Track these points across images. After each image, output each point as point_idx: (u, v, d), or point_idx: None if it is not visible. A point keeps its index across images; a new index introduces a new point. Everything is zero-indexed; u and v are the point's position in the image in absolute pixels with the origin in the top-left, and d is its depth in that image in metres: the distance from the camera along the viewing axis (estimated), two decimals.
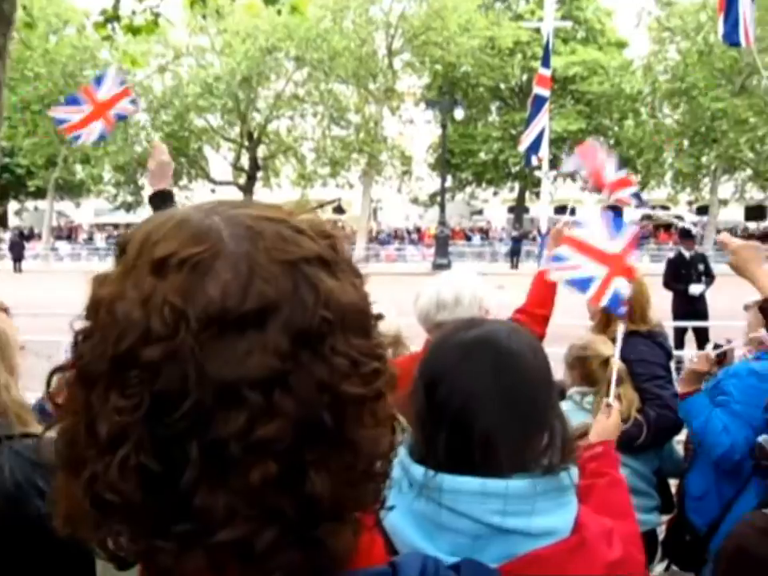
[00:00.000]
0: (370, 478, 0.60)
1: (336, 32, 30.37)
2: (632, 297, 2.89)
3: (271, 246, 0.58)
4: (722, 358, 2.86)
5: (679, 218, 42.98)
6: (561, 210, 51.28)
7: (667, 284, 9.52)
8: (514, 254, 30.27)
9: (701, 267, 9.44)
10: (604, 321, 2.97)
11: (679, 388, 2.75)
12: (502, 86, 35.30)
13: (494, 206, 48.14)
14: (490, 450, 1.08)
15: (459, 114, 29.07)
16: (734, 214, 44.37)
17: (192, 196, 38.23)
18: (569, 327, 3.78)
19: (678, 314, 9.28)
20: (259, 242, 0.58)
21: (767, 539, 1.27)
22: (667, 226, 39.69)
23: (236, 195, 39.35)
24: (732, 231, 36.38)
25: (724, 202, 36.24)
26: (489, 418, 1.10)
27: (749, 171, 34.37)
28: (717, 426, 2.53)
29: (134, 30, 7.11)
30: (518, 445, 1.10)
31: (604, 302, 2.28)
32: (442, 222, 28.91)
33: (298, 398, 0.55)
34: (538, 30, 30.19)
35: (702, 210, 38.07)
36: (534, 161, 26.07)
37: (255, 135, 35.48)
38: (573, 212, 3.26)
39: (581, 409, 2.75)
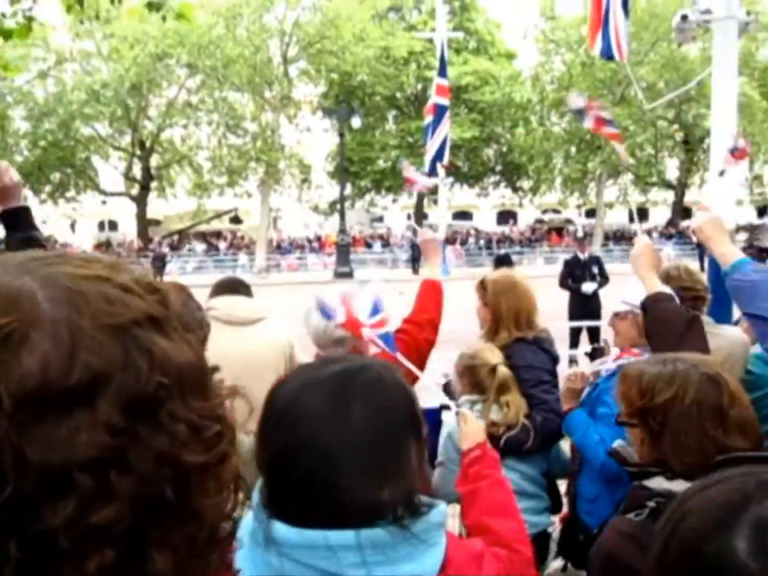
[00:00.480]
0: (215, 543, 0.56)
1: (229, 39, 29.87)
2: (506, 304, 2.97)
3: (95, 309, 0.51)
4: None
5: (569, 221, 45.11)
6: (459, 215, 52.65)
7: (563, 284, 9.98)
8: (415, 260, 30.67)
9: (594, 269, 9.92)
10: (493, 328, 3.01)
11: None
12: (398, 94, 35.82)
13: (394, 212, 48.73)
14: (341, 501, 1.00)
15: (356, 122, 29.25)
16: (619, 216, 46.96)
17: (81, 208, 36.51)
18: (461, 333, 3.82)
19: (573, 314, 9.73)
20: (82, 305, 0.51)
21: (633, 545, 1.28)
22: (559, 229, 41.48)
23: (129, 206, 37.91)
24: (617, 233, 38.49)
25: (610, 205, 38.26)
26: (339, 467, 1.02)
27: (630, 176, 36.49)
28: (593, 439, 2.62)
29: (4, 34, 6.68)
30: (371, 493, 1.02)
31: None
32: (342, 230, 28.95)
33: (136, 475, 0.49)
34: (431, 41, 30.87)
35: (591, 213, 40.06)
36: (439, 168, 26.78)
37: (147, 144, 34.30)
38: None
39: None
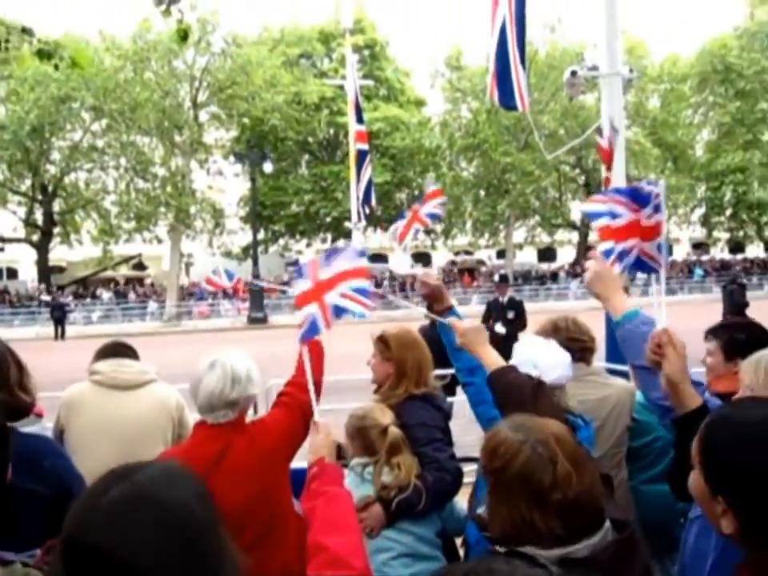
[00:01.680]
0: None
1: (137, 83, 29.40)
2: (412, 359, 2.91)
3: None
4: None
5: (481, 262, 46.27)
6: (373, 258, 52.87)
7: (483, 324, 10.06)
8: None
9: (510, 313, 10.00)
10: (394, 384, 2.94)
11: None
12: (310, 139, 36.09)
13: (309, 256, 48.64)
14: None
15: (268, 167, 29.16)
16: (528, 256, 48.59)
17: None
18: (358, 381, 3.72)
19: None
20: None
21: None
22: (470, 270, 42.40)
23: (29, 253, 36.17)
24: (527, 273, 39.71)
25: (519, 246, 39.55)
26: None
27: (537, 218, 37.94)
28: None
29: None
30: None
31: (331, 323, 2.27)
32: (256, 275, 28.55)
33: None
34: (341, 87, 31.39)
35: (502, 254, 41.24)
36: (367, 211, 26.90)
37: (50, 188, 33.01)
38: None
39: (363, 480, 2.70)
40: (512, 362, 2.65)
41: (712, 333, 2.80)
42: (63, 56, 6.64)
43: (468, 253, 47.34)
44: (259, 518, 2.34)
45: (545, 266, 44.67)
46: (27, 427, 2.44)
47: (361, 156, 26.26)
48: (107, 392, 3.17)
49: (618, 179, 6.82)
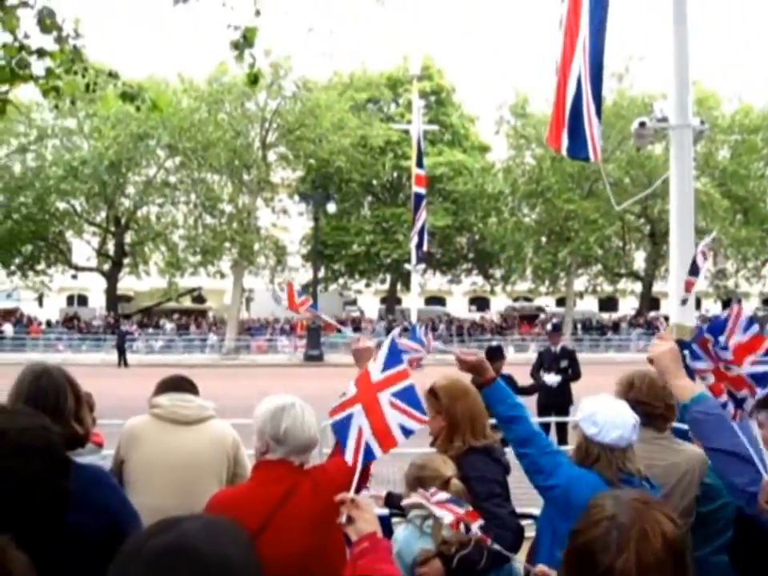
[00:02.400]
0: None
1: (211, 123, 30.59)
2: (462, 410, 2.86)
3: None
4: None
5: (541, 309, 45.62)
6: (431, 300, 52.95)
7: (532, 375, 9.77)
8: None
9: (563, 363, 9.64)
10: (448, 437, 2.89)
11: None
12: (374, 181, 36.65)
13: (367, 296, 48.91)
14: None
15: (332, 207, 29.75)
16: (589, 305, 47.66)
17: (50, 281, 36.12)
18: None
19: (539, 407, 9.51)
20: None
21: None
22: (530, 317, 41.82)
23: (99, 282, 37.60)
24: (587, 322, 38.89)
25: (580, 294, 38.87)
26: None
27: (599, 266, 37.28)
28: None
29: None
30: None
31: (335, 418, 2.15)
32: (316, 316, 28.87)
33: None
34: (406, 131, 31.93)
35: (561, 302, 40.59)
36: (421, 254, 27.09)
37: (123, 221, 34.42)
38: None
39: (422, 533, 2.63)
40: (576, 416, 2.60)
41: (763, 403, 2.71)
42: (145, 98, 7.00)
43: (527, 299, 46.77)
44: (316, 571, 2.25)
45: (606, 316, 43.73)
46: (85, 457, 2.48)
47: (417, 199, 26.68)
48: (167, 426, 3.18)
49: (687, 231, 6.67)
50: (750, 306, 49.82)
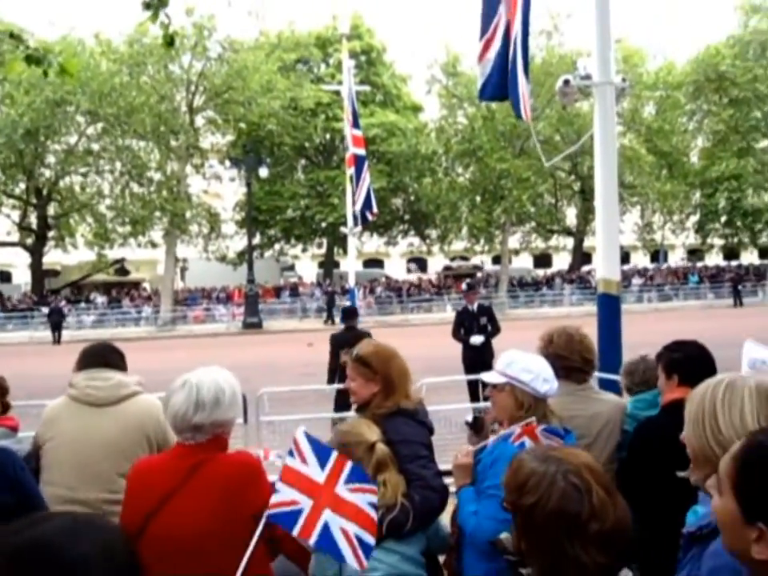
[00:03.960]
0: None
1: (133, 87, 29.36)
2: (397, 371, 2.87)
3: None
4: (479, 428, 2.92)
5: (478, 267, 46.30)
6: (369, 263, 53.03)
7: (454, 335, 9.88)
8: (329, 309, 30.52)
9: (482, 320, 9.76)
10: (383, 396, 2.88)
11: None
12: (306, 144, 36.08)
13: (305, 261, 48.58)
14: None
15: (264, 171, 29.15)
16: (524, 261, 48.68)
17: None
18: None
19: (466, 366, 9.62)
20: None
21: None
22: (467, 276, 42.40)
23: (23, 257, 36.08)
24: (522, 278, 39.74)
25: (515, 252, 39.60)
26: None
27: (533, 223, 37.99)
28: (467, 510, 2.59)
29: None
30: None
31: (313, 538, 2.13)
32: (251, 280, 28.50)
33: None
34: (338, 92, 31.40)
35: (497, 260, 41.27)
36: (369, 217, 26.88)
37: (44, 192, 32.95)
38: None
39: None
40: (500, 366, 2.65)
41: (657, 356, 2.94)
42: (52, 62, 6.60)
43: (464, 258, 47.36)
44: (221, 548, 2.22)
45: (540, 272, 44.75)
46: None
47: (359, 161, 26.31)
48: (82, 409, 3.02)
49: (611, 185, 6.80)
50: (676, 258, 51.85)
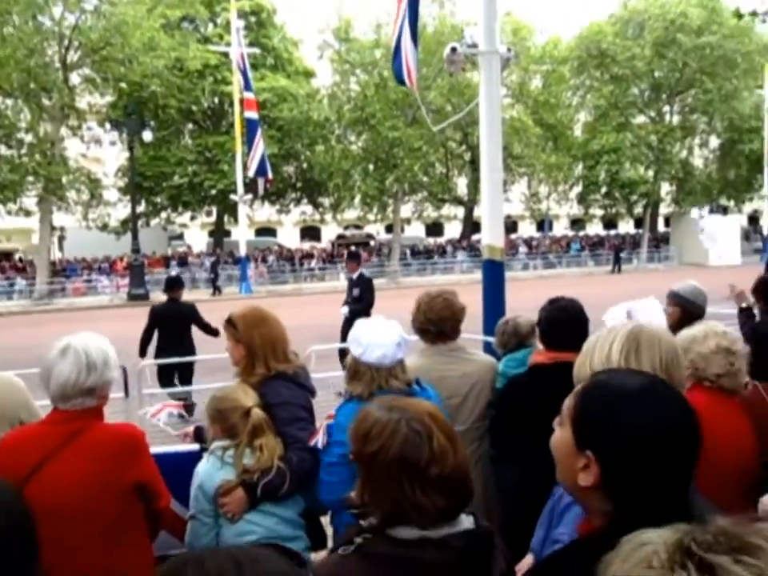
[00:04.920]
0: None
1: None
2: (260, 338, 2.87)
3: None
4: None
5: (371, 236, 46.50)
6: (261, 231, 52.13)
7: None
8: (215, 281, 29.73)
9: (355, 291, 9.72)
10: (249, 364, 2.86)
11: None
12: (194, 108, 34.61)
13: (194, 230, 47.03)
14: None
15: (148, 135, 27.67)
16: (417, 230, 49.36)
17: None
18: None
19: (342, 335, 9.59)
20: None
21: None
22: (361, 244, 42.55)
23: None
24: (414, 247, 40.29)
25: (407, 221, 40.02)
26: None
27: (425, 193, 38.46)
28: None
29: None
30: None
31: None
32: (136, 250, 27.23)
33: None
34: (226, 55, 30.25)
35: (390, 229, 41.56)
36: (262, 183, 26.06)
37: None
38: None
39: (223, 464, 2.62)
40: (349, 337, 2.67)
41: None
42: None
43: (357, 227, 47.40)
44: (103, 513, 2.25)
45: (432, 240, 45.57)
46: None
47: (251, 126, 25.55)
48: None
49: (495, 154, 6.89)
50: (560, 227, 54.17)
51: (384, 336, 2.64)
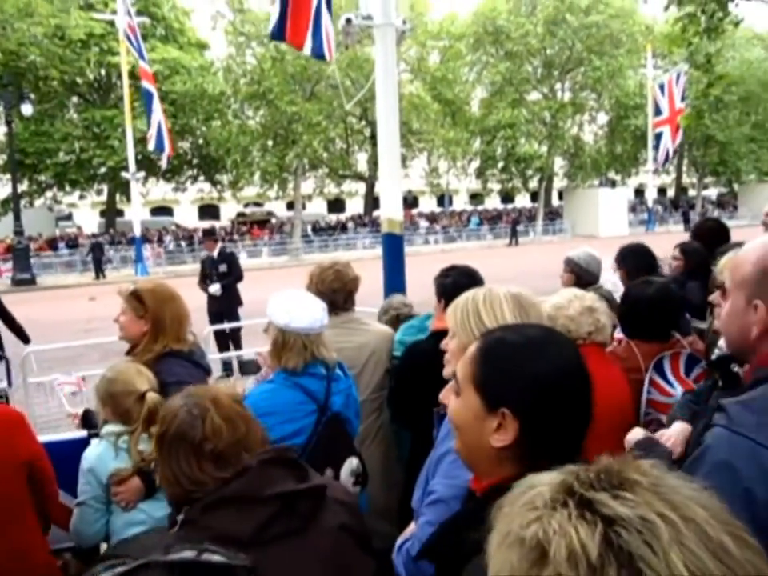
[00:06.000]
0: None
1: None
2: (170, 314, 2.80)
3: None
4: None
5: (272, 213, 45.77)
6: (157, 211, 50.25)
7: (200, 286, 9.56)
8: (97, 263, 28.24)
9: (222, 267, 9.48)
10: (152, 340, 2.78)
11: None
12: (78, 80, 32.67)
13: (84, 210, 44.70)
14: None
15: (28, 109, 25.83)
16: (318, 207, 49.01)
17: None
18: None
19: (211, 315, 9.35)
20: None
21: None
22: (262, 222, 41.83)
23: None
24: (316, 224, 40.00)
25: (308, 197, 39.62)
26: None
27: (325, 169, 38.15)
28: None
29: None
30: None
31: None
32: (19, 231, 25.57)
33: None
34: (112, 23, 28.63)
35: (291, 206, 41.05)
36: (165, 157, 24.81)
37: None
38: None
39: (117, 450, 2.49)
40: (268, 311, 2.57)
41: (434, 280, 3.07)
42: None
43: (258, 204, 46.53)
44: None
45: (333, 217, 45.40)
46: None
47: (148, 97, 24.30)
48: None
49: (392, 128, 6.85)
50: (459, 201, 55.21)
51: (309, 301, 2.57)
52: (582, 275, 4.04)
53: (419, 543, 1.71)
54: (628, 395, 2.67)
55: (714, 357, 2.61)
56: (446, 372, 1.85)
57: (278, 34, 6.54)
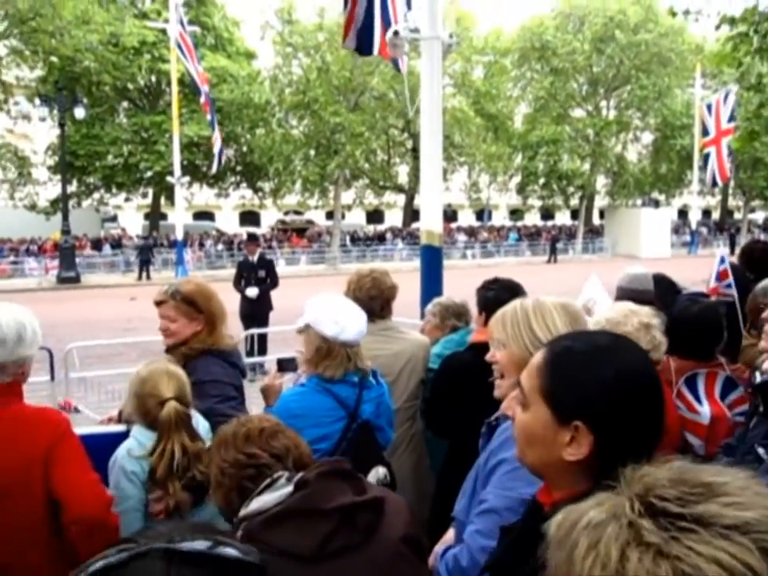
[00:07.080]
0: None
1: None
2: (219, 308, 2.85)
3: None
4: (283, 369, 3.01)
5: (311, 222, 46.15)
6: (200, 216, 51.04)
7: (235, 286, 9.82)
8: (144, 264, 28.78)
9: (261, 272, 9.77)
10: (207, 331, 2.84)
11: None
12: (130, 86, 33.51)
13: (129, 212, 45.67)
14: None
15: (80, 112, 26.59)
16: (357, 217, 49.26)
17: None
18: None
19: (242, 317, 9.55)
20: None
21: None
22: (300, 230, 42.21)
23: None
24: (355, 233, 40.20)
25: (348, 207, 39.87)
26: None
27: (366, 179, 38.38)
28: None
29: None
30: None
31: None
32: (66, 231, 26.25)
33: None
34: (164, 31, 29.31)
35: (330, 215, 41.36)
36: (216, 162, 25.28)
37: None
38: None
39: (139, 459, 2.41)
40: (306, 318, 2.57)
41: (477, 291, 3.09)
42: None
43: (298, 213, 46.97)
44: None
45: (372, 228, 45.55)
46: None
47: (211, 101, 24.76)
48: None
49: (436, 141, 6.87)
50: (499, 216, 54.92)
51: (355, 312, 2.59)
52: (639, 298, 3.84)
53: (469, 552, 1.70)
54: (676, 417, 2.62)
55: (757, 381, 2.55)
56: (500, 385, 1.83)
57: (367, 48, 6.71)
